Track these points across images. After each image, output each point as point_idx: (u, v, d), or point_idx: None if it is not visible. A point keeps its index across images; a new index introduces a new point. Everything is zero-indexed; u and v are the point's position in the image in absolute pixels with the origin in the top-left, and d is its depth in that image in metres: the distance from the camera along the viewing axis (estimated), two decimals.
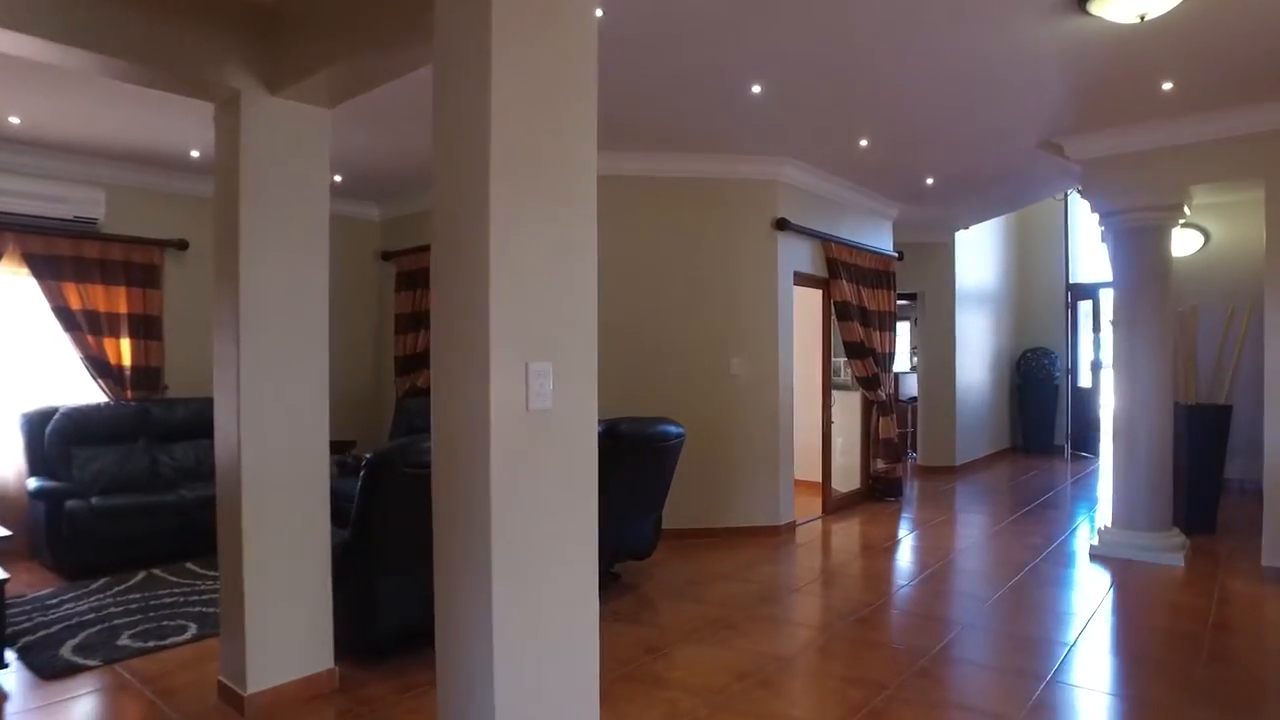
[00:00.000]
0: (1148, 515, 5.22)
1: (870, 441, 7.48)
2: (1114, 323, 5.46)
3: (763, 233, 6.03)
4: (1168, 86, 4.33)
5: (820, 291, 6.90)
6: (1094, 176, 5.36)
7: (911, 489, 8.17)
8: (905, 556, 5.62)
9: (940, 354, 9.30)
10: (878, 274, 7.33)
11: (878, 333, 7.19)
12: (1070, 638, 3.88)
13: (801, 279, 6.46)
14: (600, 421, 4.44)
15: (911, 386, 11.01)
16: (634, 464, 4.42)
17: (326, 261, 3.38)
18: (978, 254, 9.94)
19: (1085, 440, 10.55)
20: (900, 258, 7.71)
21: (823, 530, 6.39)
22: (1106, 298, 10.90)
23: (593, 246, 2.26)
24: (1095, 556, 5.33)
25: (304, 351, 3.26)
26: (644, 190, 5.94)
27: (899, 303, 11.42)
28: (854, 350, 6.89)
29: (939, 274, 9.25)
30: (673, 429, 4.64)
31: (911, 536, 6.15)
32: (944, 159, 6.15)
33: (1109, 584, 4.80)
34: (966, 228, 9.10)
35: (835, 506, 7.00)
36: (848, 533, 6.36)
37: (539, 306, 2.07)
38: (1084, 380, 10.88)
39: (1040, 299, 11.24)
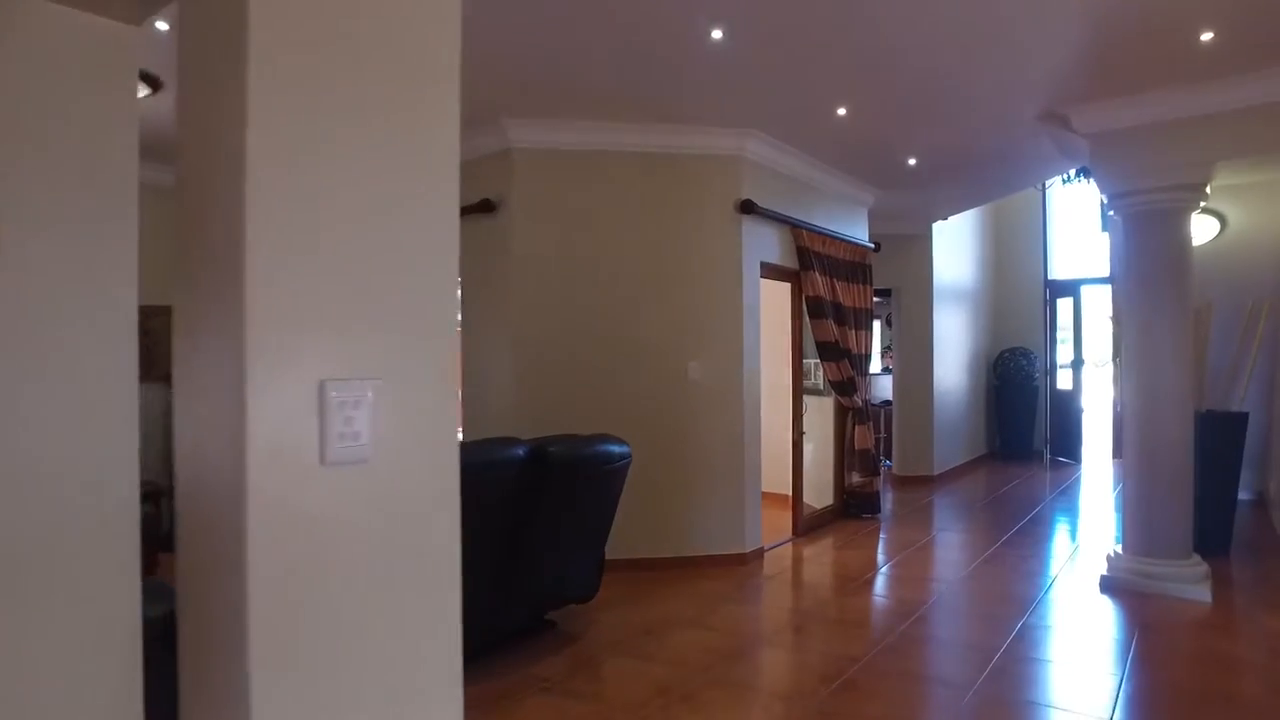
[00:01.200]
0: (1166, 540, 4.54)
1: (845, 453, 6.75)
2: (1115, 319, 4.80)
3: (725, 217, 5.24)
4: (1207, 37, 3.62)
5: (790, 285, 6.14)
6: (1105, 152, 4.66)
7: (888, 502, 7.47)
8: (889, 591, 4.87)
9: (917, 355, 8.62)
10: (853, 266, 6.59)
11: (853, 332, 6.45)
12: (1106, 713, 3.14)
13: (769, 270, 5.69)
14: (524, 443, 3.60)
15: (885, 389, 10.35)
16: (567, 493, 3.60)
17: (135, 238, 2.49)
18: (954, 248, 9.29)
19: (1066, 445, 9.98)
20: (877, 249, 6.99)
21: (794, 557, 5.63)
22: (1090, 294, 10.35)
23: (453, 199, 1.42)
24: (1106, 587, 4.64)
25: (99, 363, 2.37)
26: (581, 168, 5.12)
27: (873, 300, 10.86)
28: (827, 351, 6.15)
29: (915, 268, 8.57)
30: (615, 449, 3.83)
31: (893, 564, 5.41)
32: (931, 134, 5.42)
33: (1132, 627, 4.09)
34: (945, 218, 8.43)
35: (807, 527, 6.24)
36: (822, 560, 5.60)
37: (344, 291, 1.23)
38: (1063, 382, 10.33)
39: (1018, 296, 10.65)
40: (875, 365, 11.98)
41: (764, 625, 4.20)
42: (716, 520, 5.25)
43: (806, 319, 6.11)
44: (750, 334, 5.36)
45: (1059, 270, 10.57)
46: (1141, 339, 4.61)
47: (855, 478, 6.70)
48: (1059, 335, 10.45)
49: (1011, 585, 4.85)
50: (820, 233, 6.07)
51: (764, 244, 5.53)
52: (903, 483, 8.44)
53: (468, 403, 5.42)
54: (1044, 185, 9.58)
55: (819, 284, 5.95)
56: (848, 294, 6.45)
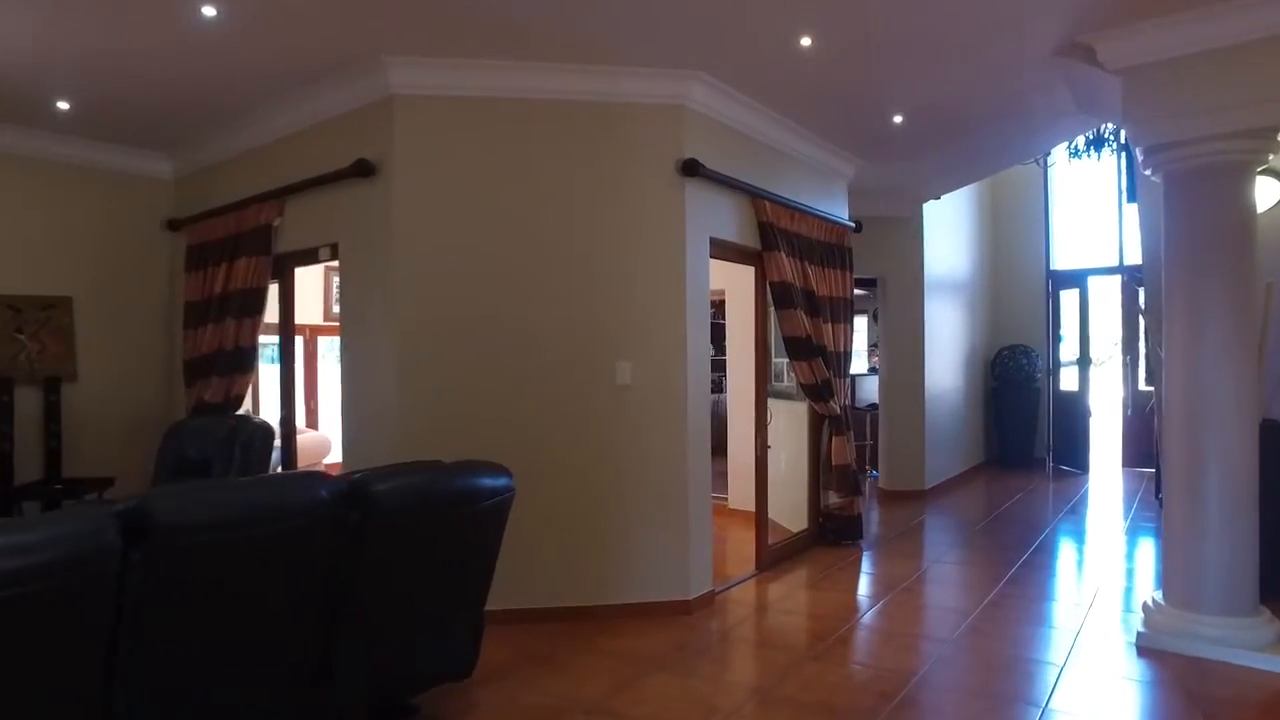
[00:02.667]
0: (1223, 589, 3.52)
1: (821, 468, 5.71)
2: (1146, 312, 3.81)
3: (663, 181, 4.20)
4: None
5: (753, 269, 5.10)
6: (1142, 92, 3.64)
7: (873, 523, 6.45)
8: (869, 655, 3.84)
9: (906, 353, 7.60)
10: (830, 249, 5.56)
11: (829, 325, 5.42)
12: None
13: (724, 249, 4.65)
14: (333, 481, 2.21)
15: (872, 392, 9.34)
16: (408, 544, 2.56)
17: None
18: (947, 234, 8.28)
19: (1070, 452, 8.98)
20: (858, 229, 5.96)
21: (754, 601, 4.59)
22: (1098, 286, 9.36)
23: None
24: (1145, 651, 3.62)
25: None
26: (481, 121, 4.07)
27: (856, 291, 9.83)
28: (797, 348, 5.11)
29: (904, 255, 7.55)
30: (486, 481, 2.78)
31: (876, 610, 4.38)
32: (921, 79, 4.40)
33: (1186, 714, 3.07)
34: (938, 197, 7.41)
35: (774, 558, 5.21)
36: (788, 605, 4.56)
37: None
38: (1067, 382, 9.33)
39: (1017, 288, 9.66)
40: (861, 365, 11.01)
41: (699, 712, 3.16)
42: (653, 559, 4.21)
43: (772, 309, 5.08)
44: (696, 326, 4.32)
45: (1063, 260, 9.57)
46: (1189, 330, 3.59)
47: (832, 498, 5.67)
48: (1062, 331, 9.47)
49: (1023, 646, 3.82)
50: (788, 205, 5.04)
51: (715, 217, 4.50)
52: (890, 499, 7.42)
53: (346, 410, 4.37)
54: (1046, 162, 8.57)
55: (785, 267, 4.91)
56: (823, 280, 5.42)
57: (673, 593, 4.22)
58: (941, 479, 7.88)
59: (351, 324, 4.32)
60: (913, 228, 7.53)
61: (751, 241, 4.83)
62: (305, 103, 4.45)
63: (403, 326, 4.02)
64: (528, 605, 4.01)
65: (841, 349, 5.60)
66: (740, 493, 6.95)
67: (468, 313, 4.04)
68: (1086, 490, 7.95)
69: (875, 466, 8.09)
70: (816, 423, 5.70)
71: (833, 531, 5.71)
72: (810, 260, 5.28)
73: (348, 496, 2.38)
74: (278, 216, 4.71)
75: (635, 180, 4.18)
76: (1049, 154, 7.86)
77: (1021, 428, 9.25)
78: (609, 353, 4.14)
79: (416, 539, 2.59)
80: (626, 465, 4.16)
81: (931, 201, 7.51)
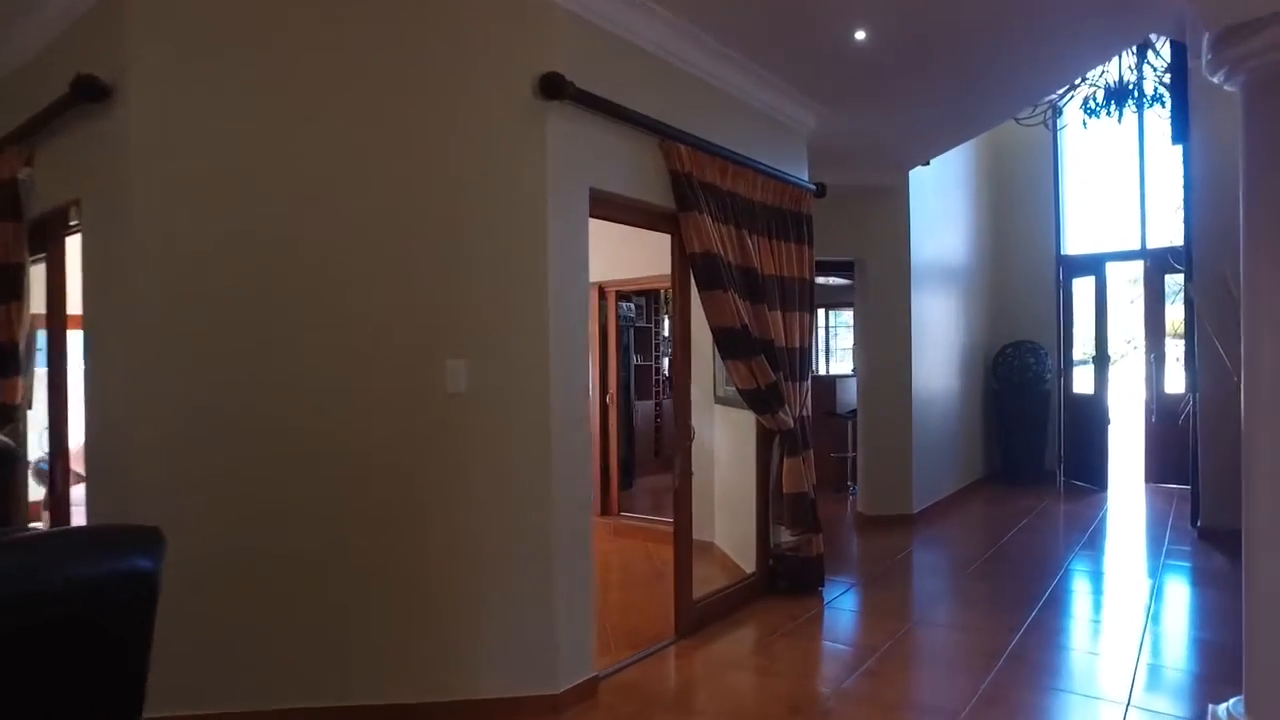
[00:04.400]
0: None
1: (771, 498, 4.48)
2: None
3: (512, 104, 2.96)
4: None
5: (670, 238, 3.87)
6: None
7: (849, 559, 5.21)
8: None
9: (890, 350, 6.36)
10: (781, 216, 4.33)
11: (779, 314, 4.20)
12: None
13: (613, 207, 3.42)
14: None
15: (855, 395, 8.10)
16: None
17: None
18: (939, 211, 7.03)
19: (1084, 465, 7.71)
20: (820, 193, 4.72)
21: (658, 689, 3.35)
22: (1116, 272, 8.10)
23: None
24: None
25: None
26: (254, 23, 2.85)
27: (834, 280, 8.62)
28: (731, 343, 3.88)
29: (887, 234, 6.31)
30: (73, 569, 1.54)
31: (834, 706, 3.13)
32: None
33: None
34: (925, 162, 6.17)
35: (705, 617, 3.97)
36: (703, 700, 3.32)
37: None
38: (1081, 384, 8.08)
39: (1023, 275, 8.39)
40: (844, 366, 9.77)
41: None
42: (505, 638, 2.98)
43: (696, 291, 3.85)
44: (568, 313, 3.09)
45: (1076, 243, 8.30)
46: (1272, 307, 2.36)
47: (786, 536, 4.43)
48: (1074, 325, 8.22)
49: None
50: (717, 154, 3.81)
51: (600, 161, 3.26)
52: (870, 527, 6.17)
53: (88, 424, 3.16)
54: (1056, 125, 7.32)
55: (711, 235, 3.68)
56: (770, 256, 4.19)
57: (534, 684, 2.98)
58: (932, 500, 6.63)
59: (91, 307, 3.11)
60: (897, 201, 6.29)
61: (663, 200, 3.59)
62: (35, 11, 3.25)
63: (142, 312, 2.80)
64: (333, 702, 2.79)
65: (797, 344, 4.36)
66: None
67: (236, 291, 2.82)
68: (1105, 512, 6.70)
69: (854, 480, 6.87)
70: (766, 439, 4.47)
71: (786, 577, 4.47)
72: (752, 229, 4.05)
73: None
74: (24, 167, 3.50)
75: (473, 105, 2.95)
76: (1060, 111, 6.60)
77: (1028, 437, 7.98)
78: (436, 349, 2.91)
79: None
80: (464, 506, 2.93)
81: (919, 169, 6.27)
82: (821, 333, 10.39)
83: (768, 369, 4.00)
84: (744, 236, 3.95)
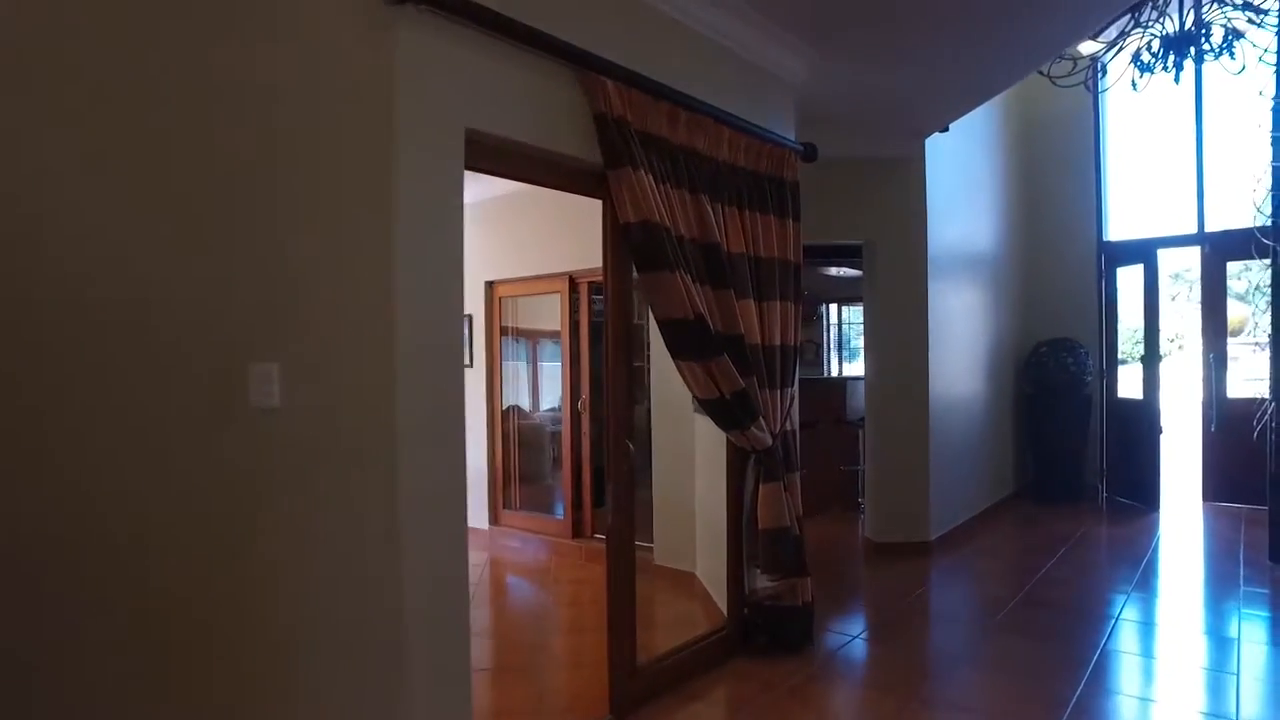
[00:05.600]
0: None
1: (745, 535, 3.61)
2: None
3: (347, 15, 2.13)
4: None
5: (601, 204, 3.00)
6: None
7: (848, 600, 4.32)
8: None
9: (903, 349, 5.44)
10: (756, 181, 3.45)
11: (753, 303, 3.33)
12: None
13: (505, 159, 2.56)
14: None
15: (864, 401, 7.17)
16: None
17: None
18: (960, 187, 6.10)
19: (1132, 481, 6.72)
20: (807, 155, 3.83)
21: None
22: (1169, 259, 7.09)
23: None
24: None
25: None
26: None
27: (839, 271, 7.68)
28: (682, 339, 3.00)
29: (900, 213, 5.39)
30: None
31: None
32: None
33: None
34: (944, 128, 5.24)
35: (654, 687, 3.10)
36: None
37: None
38: (1126, 387, 7.09)
39: (1059, 264, 7.40)
40: (858, 367, 8.82)
41: None
42: None
43: (635, 274, 2.99)
44: (430, 301, 2.23)
45: (1120, 227, 7.30)
46: None
47: (764, 581, 3.55)
48: (1119, 321, 7.23)
49: None
50: (661, 94, 2.94)
51: (483, 94, 2.39)
52: (880, 557, 5.26)
53: None
54: (1099, 86, 6.31)
55: (651, 197, 2.81)
56: (740, 231, 3.32)
57: None
58: (953, 524, 5.69)
59: None
60: (912, 175, 5.37)
61: (585, 152, 2.73)
62: None
63: None
64: None
65: (777, 341, 3.48)
66: (670, 542, 4.97)
67: None
68: (1158, 539, 5.71)
69: (863, 496, 5.96)
70: (740, 460, 3.60)
71: (765, 631, 3.59)
72: (715, 196, 3.18)
73: None
74: None
75: (289, 12, 2.12)
76: (1104, 70, 5.62)
77: (1065, 448, 6.99)
78: (238, 348, 2.08)
79: None
80: (281, 569, 2.10)
81: (937, 137, 5.35)
82: (834, 329, 9.45)
83: (733, 373, 3.12)
84: (702, 204, 3.08)
